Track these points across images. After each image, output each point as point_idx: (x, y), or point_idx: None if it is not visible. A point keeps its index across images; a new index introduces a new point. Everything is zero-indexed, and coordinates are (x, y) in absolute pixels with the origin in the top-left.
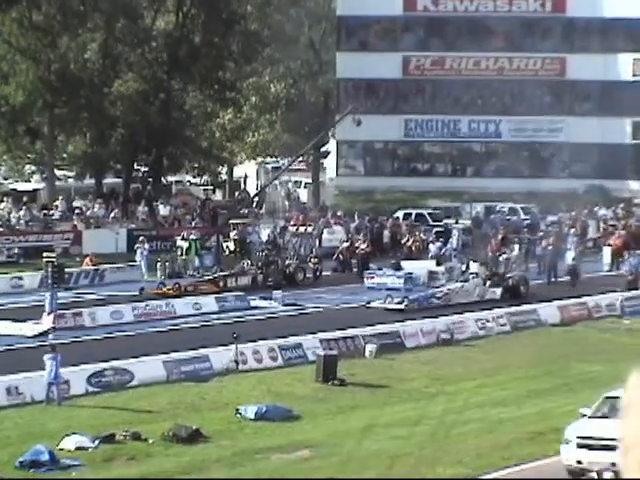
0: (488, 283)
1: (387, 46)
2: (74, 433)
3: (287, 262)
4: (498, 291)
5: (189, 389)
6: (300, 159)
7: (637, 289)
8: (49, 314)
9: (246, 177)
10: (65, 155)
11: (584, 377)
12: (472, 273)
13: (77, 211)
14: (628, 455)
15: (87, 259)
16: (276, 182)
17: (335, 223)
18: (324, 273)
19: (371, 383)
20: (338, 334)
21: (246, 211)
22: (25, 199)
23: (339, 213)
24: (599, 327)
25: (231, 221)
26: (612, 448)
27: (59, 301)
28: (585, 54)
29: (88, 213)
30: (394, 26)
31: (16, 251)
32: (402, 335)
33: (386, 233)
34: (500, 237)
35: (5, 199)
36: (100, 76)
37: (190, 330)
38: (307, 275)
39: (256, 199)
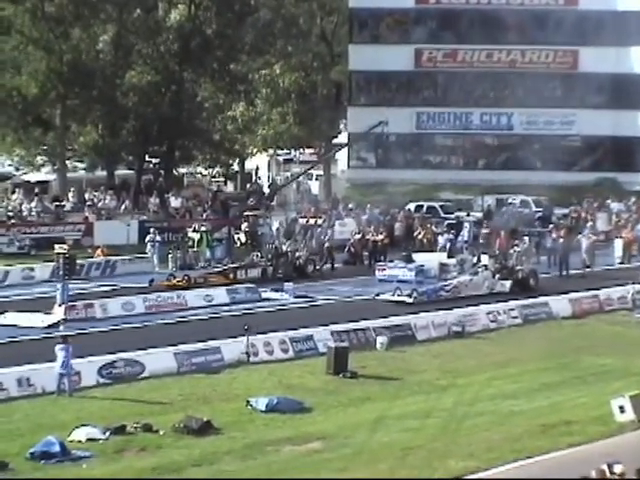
0: (497, 276)
1: (399, 38)
2: (85, 424)
3: (297, 254)
4: (507, 284)
5: (200, 381)
6: (312, 151)
7: None
8: (60, 305)
9: (257, 169)
10: (77, 146)
11: (596, 370)
12: (482, 266)
13: (88, 202)
14: None
15: (98, 250)
16: (287, 174)
17: (346, 215)
18: (336, 265)
19: (382, 375)
20: (349, 326)
21: (256, 203)
22: (37, 190)
23: (350, 205)
24: (611, 320)
25: (245, 213)
26: None
27: (70, 292)
28: (597, 47)
29: (99, 204)
30: (406, 18)
31: (27, 242)
32: (413, 327)
33: (398, 225)
34: (510, 230)
35: (17, 190)
36: (112, 67)
37: (201, 322)
38: (317, 267)
39: (268, 191)
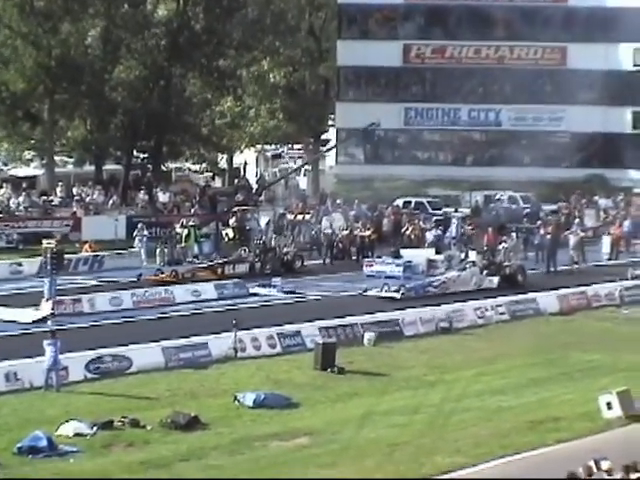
0: (485, 272)
1: (388, 34)
2: (72, 419)
3: (285, 250)
4: (495, 280)
5: (188, 376)
6: (299, 147)
7: None
8: (48, 300)
9: (246, 164)
10: (65, 141)
11: (583, 366)
12: (469, 262)
13: (76, 197)
14: None
15: (86, 245)
16: (275, 170)
17: (334, 211)
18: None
19: (370, 371)
20: (337, 322)
21: (244, 198)
22: (24, 185)
23: (338, 201)
24: (598, 316)
25: (235, 208)
26: None
27: (58, 287)
28: (586, 43)
29: (87, 199)
30: (395, 14)
31: (15, 237)
32: (401, 323)
33: (386, 221)
34: (497, 226)
35: (4, 185)
36: (101, 62)
37: (189, 317)
38: (304, 263)
39: (256, 186)
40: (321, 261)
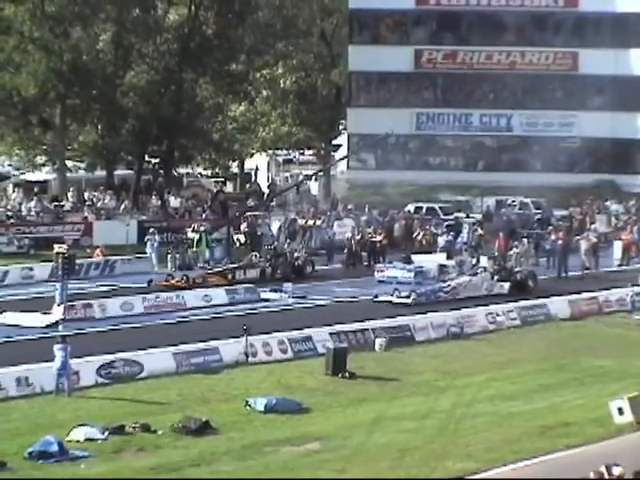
0: (496, 277)
1: (399, 39)
2: (83, 424)
3: (296, 255)
4: (506, 286)
5: (199, 381)
6: (311, 152)
7: None
8: (59, 305)
9: (257, 169)
10: (76, 146)
11: (594, 372)
12: (480, 267)
13: (88, 202)
14: None
15: (97, 250)
16: (287, 175)
17: (345, 216)
18: (334, 266)
19: (381, 376)
20: (348, 327)
21: (254, 203)
22: (36, 190)
23: (350, 206)
24: (609, 322)
25: (246, 213)
26: None
27: (69, 292)
28: (597, 49)
29: (99, 204)
30: (406, 19)
31: (27, 242)
32: (412, 329)
33: (397, 226)
34: (508, 231)
35: (16, 190)
36: (112, 67)
37: (200, 322)
38: (315, 268)
39: (267, 191)
40: (332, 266)
